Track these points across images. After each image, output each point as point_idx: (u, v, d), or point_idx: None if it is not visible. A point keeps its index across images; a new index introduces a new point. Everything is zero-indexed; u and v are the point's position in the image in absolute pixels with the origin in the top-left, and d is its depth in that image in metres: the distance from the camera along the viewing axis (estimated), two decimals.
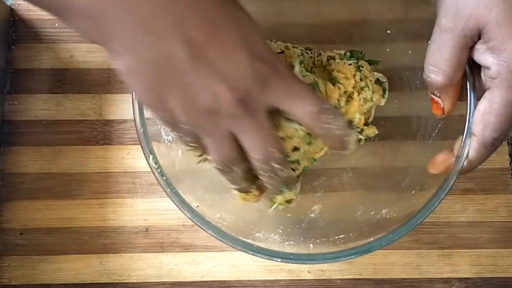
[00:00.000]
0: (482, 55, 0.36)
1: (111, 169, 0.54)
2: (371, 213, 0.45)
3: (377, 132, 0.47)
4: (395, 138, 0.50)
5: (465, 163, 0.38)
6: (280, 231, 0.46)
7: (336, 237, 0.43)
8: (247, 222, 0.46)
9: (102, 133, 0.54)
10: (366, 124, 0.46)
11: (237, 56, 0.32)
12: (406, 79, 0.48)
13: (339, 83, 0.44)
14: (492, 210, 0.53)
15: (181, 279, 0.52)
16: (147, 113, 0.40)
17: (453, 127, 0.41)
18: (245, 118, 0.33)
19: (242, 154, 0.36)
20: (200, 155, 0.40)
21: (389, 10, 0.48)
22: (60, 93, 0.55)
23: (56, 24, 0.56)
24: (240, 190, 0.41)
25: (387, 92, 0.47)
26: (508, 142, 0.55)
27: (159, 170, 0.40)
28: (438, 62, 0.37)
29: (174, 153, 0.44)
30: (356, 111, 0.44)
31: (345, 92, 0.44)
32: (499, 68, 0.35)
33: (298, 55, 0.44)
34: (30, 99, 0.55)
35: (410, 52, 0.47)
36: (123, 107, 0.55)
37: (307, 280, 0.52)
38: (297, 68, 0.41)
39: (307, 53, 0.46)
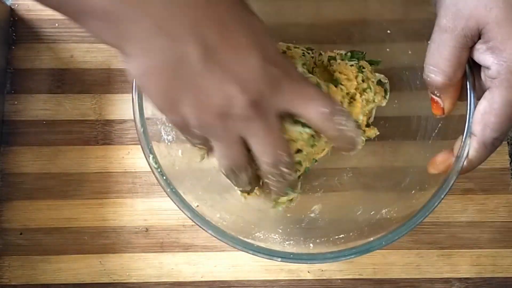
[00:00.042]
0: (482, 55, 0.36)
1: (111, 169, 0.54)
2: (371, 213, 0.45)
3: (378, 133, 0.47)
4: (395, 138, 0.50)
5: (465, 163, 0.38)
6: (280, 231, 0.46)
7: (336, 237, 0.43)
8: (247, 222, 0.46)
9: (102, 133, 0.54)
10: (367, 125, 0.46)
11: (250, 59, 0.32)
12: (406, 79, 0.48)
13: (342, 84, 0.44)
14: (492, 210, 0.53)
15: (181, 279, 0.52)
16: (147, 113, 0.40)
17: (453, 127, 0.41)
18: (257, 121, 0.33)
19: (249, 159, 0.36)
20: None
21: (389, 10, 0.48)
22: (60, 93, 0.55)
23: (56, 24, 0.57)
24: (244, 191, 0.42)
25: (388, 93, 0.47)
26: (508, 142, 0.55)
27: (159, 170, 0.40)
28: (438, 62, 0.37)
29: (174, 153, 0.44)
30: (359, 113, 0.44)
31: (347, 93, 0.44)
32: (499, 68, 0.35)
33: (300, 56, 0.44)
34: (30, 99, 0.55)
35: (410, 52, 0.47)
36: (123, 107, 0.55)
37: (307, 280, 0.52)
38: (299, 69, 0.41)
39: (308, 53, 0.45)
